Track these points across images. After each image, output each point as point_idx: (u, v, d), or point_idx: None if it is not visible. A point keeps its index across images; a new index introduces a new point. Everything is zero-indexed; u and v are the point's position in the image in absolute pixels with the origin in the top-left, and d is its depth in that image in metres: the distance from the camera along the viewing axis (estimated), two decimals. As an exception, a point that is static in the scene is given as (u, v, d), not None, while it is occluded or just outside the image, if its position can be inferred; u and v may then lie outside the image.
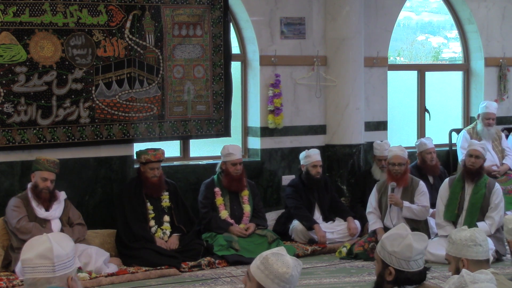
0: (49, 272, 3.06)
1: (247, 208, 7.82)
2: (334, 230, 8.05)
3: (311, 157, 8.15)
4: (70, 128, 7.42)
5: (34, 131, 7.25)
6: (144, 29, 7.73)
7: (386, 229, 7.31)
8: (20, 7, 7.09)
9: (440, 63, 11.85)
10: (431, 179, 8.71)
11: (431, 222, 7.89)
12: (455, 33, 10.87)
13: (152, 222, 7.39)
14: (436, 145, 9.09)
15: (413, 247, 3.49)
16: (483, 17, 10.20)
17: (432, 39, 12.64)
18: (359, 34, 8.91)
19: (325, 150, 8.95)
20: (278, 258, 3.11)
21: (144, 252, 7.08)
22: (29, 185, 6.92)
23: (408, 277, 3.50)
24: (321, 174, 8.20)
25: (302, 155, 8.27)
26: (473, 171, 7.46)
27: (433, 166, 8.71)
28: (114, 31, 7.58)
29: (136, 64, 7.71)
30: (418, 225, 7.53)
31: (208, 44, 8.15)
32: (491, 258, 6.90)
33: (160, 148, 7.52)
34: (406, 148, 8.41)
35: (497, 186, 7.53)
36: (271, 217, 8.32)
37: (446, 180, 7.68)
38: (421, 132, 10.09)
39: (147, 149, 7.47)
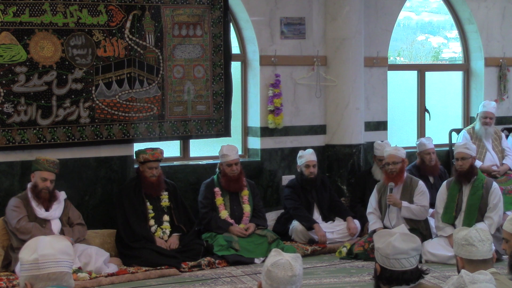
0: (70, 267, 3.10)
1: (247, 208, 7.81)
2: (334, 230, 8.05)
3: (303, 157, 8.16)
4: (70, 128, 7.42)
5: (34, 131, 7.25)
6: (144, 29, 7.73)
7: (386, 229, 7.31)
8: (20, 7, 7.09)
9: (440, 63, 11.85)
10: (431, 178, 8.70)
11: (432, 222, 7.89)
12: (455, 33, 10.87)
13: (152, 222, 7.39)
14: (436, 145, 9.09)
15: (392, 245, 3.44)
16: (483, 17, 10.20)
17: (432, 39, 12.65)
18: (359, 34, 8.91)
19: (325, 150, 8.95)
20: (278, 266, 3.12)
21: (144, 252, 7.09)
22: (29, 185, 6.92)
23: (388, 275, 3.46)
24: (315, 174, 8.16)
25: (298, 155, 8.27)
26: (464, 173, 7.49)
27: (432, 167, 8.69)
28: (114, 31, 7.58)
29: (136, 64, 7.71)
30: (418, 225, 7.54)
31: (208, 44, 8.15)
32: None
33: (158, 148, 7.52)
34: (406, 148, 8.42)
35: (495, 186, 7.53)
36: (271, 217, 8.32)
37: (444, 183, 7.70)
38: (421, 132, 10.09)
39: (146, 149, 7.47)
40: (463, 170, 7.49)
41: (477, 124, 9.30)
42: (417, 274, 3.50)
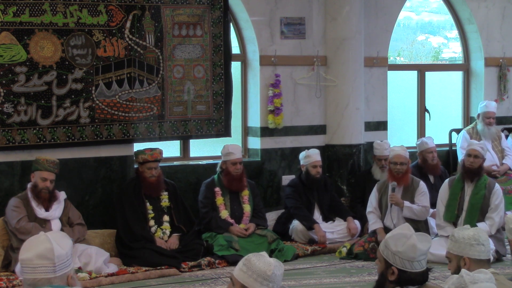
0: (50, 272, 3.05)
1: (247, 208, 7.82)
2: (334, 230, 8.05)
3: (311, 157, 8.15)
4: (70, 128, 7.42)
5: (34, 131, 7.25)
6: (144, 29, 7.73)
7: (386, 229, 7.32)
8: (20, 7, 7.09)
9: (440, 63, 11.85)
10: (431, 179, 8.71)
11: (431, 222, 7.90)
12: (455, 33, 10.87)
13: (151, 222, 7.39)
14: (436, 145, 9.08)
15: (417, 248, 3.48)
16: (483, 17, 10.20)
17: (432, 39, 12.64)
18: (359, 34, 8.91)
19: (325, 150, 8.95)
20: (259, 259, 3.17)
21: (144, 252, 7.09)
22: (29, 185, 6.92)
23: (411, 277, 3.50)
24: (321, 174, 8.21)
25: (301, 155, 8.27)
26: (472, 170, 7.46)
27: (434, 165, 8.71)
28: (114, 31, 7.58)
29: (136, 64, 7.71)
30: (418, 225, 7.53)
31: (208, 44, 8.15)
32: (491, 259, 6.91)
33: (157, 148, 7.52)
34: (406, 148, 8.41)
35: (497, 187, 7.52)
36: (271, 217, 8.32)
37: (446, 181, 7.68)
38: (421, 132, 10.10)
39: (144, 149, 7.47)
40: (472, 167, 7.46)
41: (479, 125, 9.30)
42: (427, 273, 3.58)
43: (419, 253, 3.49)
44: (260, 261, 3.15)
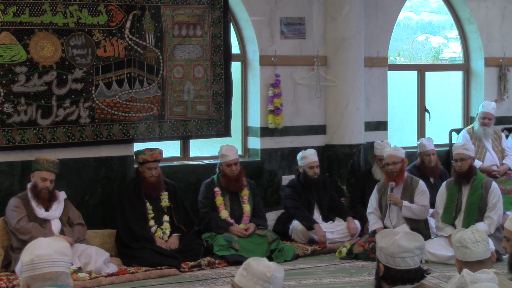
0: (67, 268, 3.08)
1: (247, 208, 7.81)
2: (334, 230, 8.05)
3: (307, 158, 8.15)
4: (70, 128, 7.42)
5: (34, 131, 7.25)
6: (144, 29, 7.73)
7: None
8: (20, 7, 7.09)
9: (440, 63, 11.86)
10: (431, 178, 8.71)
11: (431, 222, 7.90)
12: (455, 33, 10.88)
13: (151, 222, 7.39)
14: (436, 145, 9.09)
15: (398, 244, 3.47)
16: (483, 17, 10.20)
17: (432, 39, 12.65)
18: (359, 34, 8.91)
19: (325, 150, 8.95)
20: (259, 262, 3.17)
21: (144, 252, 7.09)
22: (29, 185, 6.92)
23: (394, 274, 3.48)
24: (318, 174, 8.18)
25: (299, 156, 8.26)
26: (463, 174, 7.50)
27: (432, 168, 8.70)
28: (114, 31, 7.58)
29: (136, 64, 7.71)
30: (418, 224, 7.54)
31: (208, 44, 8.15)
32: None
33: (157, 148, 7.52)
34: (406, 148, 8.43)
35: (494, 186, 7.54)
36: (271, 217, 8.32)
37: (444, 183, 7.70)
38: (421, 132, 10.10)
39: (144, 149, 7.47)
40: (462, 171, 7.51)
41: (476, 124, 9.31)
42: (420, 273, 3.54)
43: (401, 250, 3.47)
44: (260, 264, 3.16)
